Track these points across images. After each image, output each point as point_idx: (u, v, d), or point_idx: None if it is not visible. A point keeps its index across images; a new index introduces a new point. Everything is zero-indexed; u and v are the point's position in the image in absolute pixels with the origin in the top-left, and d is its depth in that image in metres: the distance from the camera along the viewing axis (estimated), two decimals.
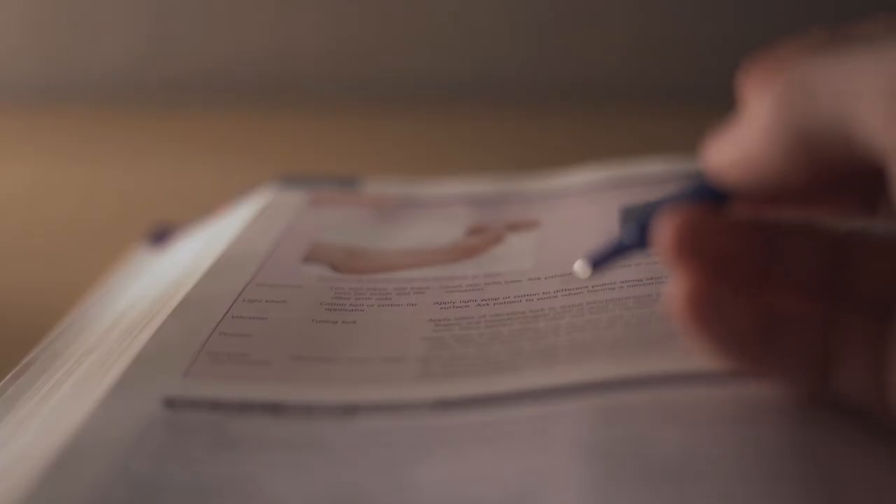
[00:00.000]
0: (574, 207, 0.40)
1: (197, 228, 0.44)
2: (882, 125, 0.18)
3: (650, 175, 0.40)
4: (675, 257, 0.22)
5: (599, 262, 0.25)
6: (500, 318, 0.30)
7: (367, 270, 0.35)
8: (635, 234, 0.24)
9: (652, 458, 0.22)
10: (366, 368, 0.28)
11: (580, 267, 0.25)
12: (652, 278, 0.31)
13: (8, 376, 0.32)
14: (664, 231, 0.22)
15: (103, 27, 0.75)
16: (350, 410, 0.26)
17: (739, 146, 0.22)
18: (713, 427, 0.23)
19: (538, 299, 0.31)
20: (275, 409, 0.26)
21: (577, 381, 0.26)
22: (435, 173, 0.48)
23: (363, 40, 0.75)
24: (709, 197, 0.23)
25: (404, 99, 0.72)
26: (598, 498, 0.21)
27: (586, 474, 0.22)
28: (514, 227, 0.39)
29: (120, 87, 0.75)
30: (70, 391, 0.29)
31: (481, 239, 0.38)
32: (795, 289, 0.23)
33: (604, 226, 0.36)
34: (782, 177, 0.21)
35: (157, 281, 0.38)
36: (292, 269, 0.35)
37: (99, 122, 0.71)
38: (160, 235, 0.45)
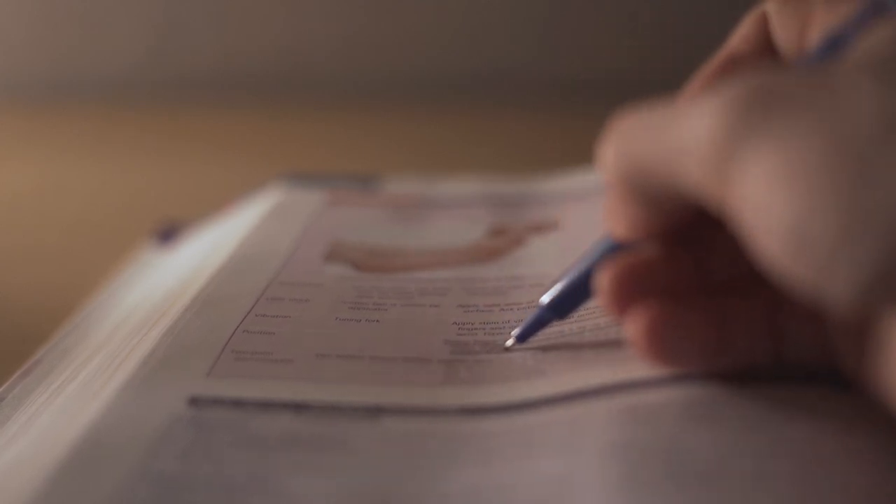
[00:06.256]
0: (594, 208, 0.40)
1: (205, 227, 0.44)
2: (698, 181, 0.21)
3: None
4: (619, 307, 0.25)
5: (524, 335, 0.29)
6: None
7: (388, 269, 0.35)
8: (554, 307, 0.28)
9: (681, 457, 0.22)
10: (390, 367, 0.28)
11: (510, 342, 0.29)
12: None
13: (16, 374, 0.32)
14: (602, 288, 0.25)
15: (111, 26, 0.75)
16: (374, 412, 0.25)
17: (608, 209, 0.25)
18: (740, 425, 0.22)
19: None
20: (298, 407, 0.25)
21: (604, 383, 0.25)
22: (445, 171, 0.48)
23: (373, 38, 0.75)
24: (620, 250, 0.26)
25: (413, 97, 0.72)
26: (627, 499, 0.21)
27: (615, 476, 0.22)
28: (536, 229, 0.39)
29: (128, 85, 0.75)
30: (79, 389, 0.28)
31: (503, 241, 0.38)
32: (731, 284, 0.25)
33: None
34: (649, 227, 0.24)
35: (165, 279, 0.38)
36: (314, 268, 0.35)
37: (107, 121, 0.71)
38: (168, 233, 0.44)
